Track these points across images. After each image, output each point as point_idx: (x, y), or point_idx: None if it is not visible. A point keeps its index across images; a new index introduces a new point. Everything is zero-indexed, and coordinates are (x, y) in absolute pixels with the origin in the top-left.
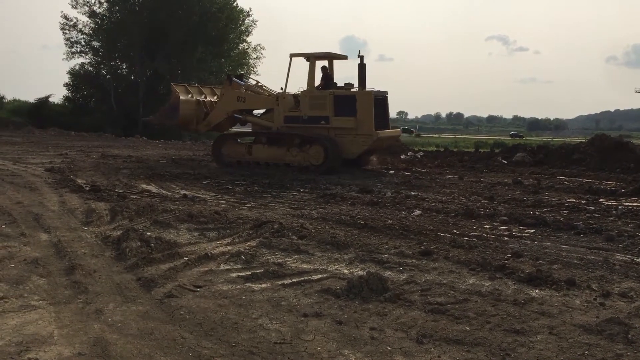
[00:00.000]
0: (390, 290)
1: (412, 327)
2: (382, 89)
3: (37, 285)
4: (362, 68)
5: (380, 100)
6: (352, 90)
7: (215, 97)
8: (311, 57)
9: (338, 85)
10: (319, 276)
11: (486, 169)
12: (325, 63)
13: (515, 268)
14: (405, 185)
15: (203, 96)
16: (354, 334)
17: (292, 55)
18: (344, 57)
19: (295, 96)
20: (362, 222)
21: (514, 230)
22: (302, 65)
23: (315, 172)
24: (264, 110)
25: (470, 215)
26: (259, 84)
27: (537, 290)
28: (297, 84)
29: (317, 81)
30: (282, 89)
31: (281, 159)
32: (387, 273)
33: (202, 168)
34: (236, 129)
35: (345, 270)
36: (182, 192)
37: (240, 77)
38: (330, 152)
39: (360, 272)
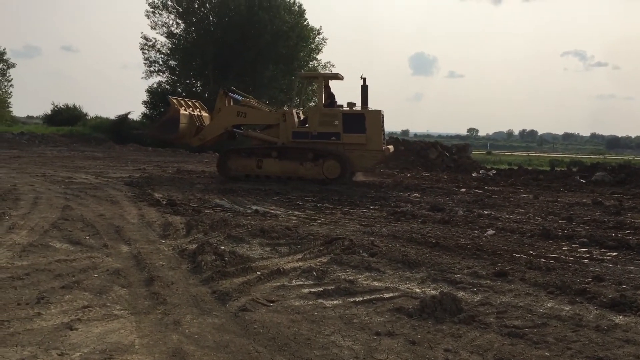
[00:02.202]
0: (465, 312)
1: (488, 350)
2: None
3: (119, 295)
4: (364, 89)
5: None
6: (360, 109)
7: (200, 112)
8: (320, 77)
9: (338, 103)
10: (391, 294)
11: (563, 188)
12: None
13: (596, 292)
14: (478, 203)
15: (196, 110)
16: (428, 355)
17: (301, 76)
18: (342, 78)
19: (299, 113)
20: (434, 241)
21: (594, 252)
22: None
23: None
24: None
25: (547, 236)
26: (251, 98)
27: (620, 317)
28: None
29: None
30: (288, 105)
31: (294, 172)
32: (461, 293)
33: (272, 184)
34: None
35: (417, 290)
36: (254, 207)
37: (233, 91)
38: (345, 166)
39: (433, 292)
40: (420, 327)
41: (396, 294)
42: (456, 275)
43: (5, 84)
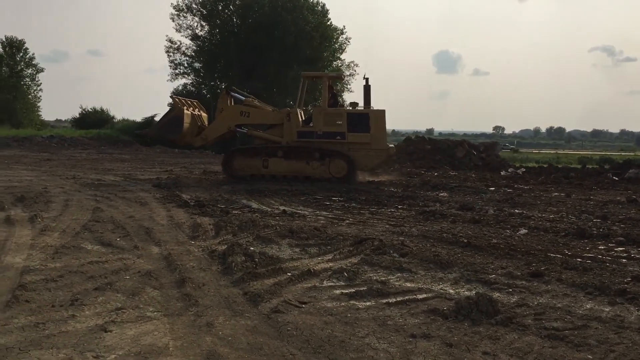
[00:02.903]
0: (502, 313)
1: (528, 353)
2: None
3: (151, 296)
4: (367, 89)
5: None
6: (364, 108)
7: (199, 111)
8: (325, 78)
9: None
10: (424, 295)
11: (595, 186)
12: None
13: (637, 293)
14: (508, 202)
15: (195, 110)
16: (466, 358)
17: (304, 76)
18: (344, 78)
19: (302, 112)
20: (465, 241)
21: (632, 251)
22: None
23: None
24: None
25: (582, 235)
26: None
27: None
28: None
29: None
30: (293, 105)
31: (300, 172)
32: (496, 294)
33: (299, 184)
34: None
35: (451, 290)
36: (282, 207)
37: (235, 90)
38: (352, 165)
39: (467, 293)
40: (456, 329)
41: (430, 295)
42: (490, 276)
43: (35, 88)
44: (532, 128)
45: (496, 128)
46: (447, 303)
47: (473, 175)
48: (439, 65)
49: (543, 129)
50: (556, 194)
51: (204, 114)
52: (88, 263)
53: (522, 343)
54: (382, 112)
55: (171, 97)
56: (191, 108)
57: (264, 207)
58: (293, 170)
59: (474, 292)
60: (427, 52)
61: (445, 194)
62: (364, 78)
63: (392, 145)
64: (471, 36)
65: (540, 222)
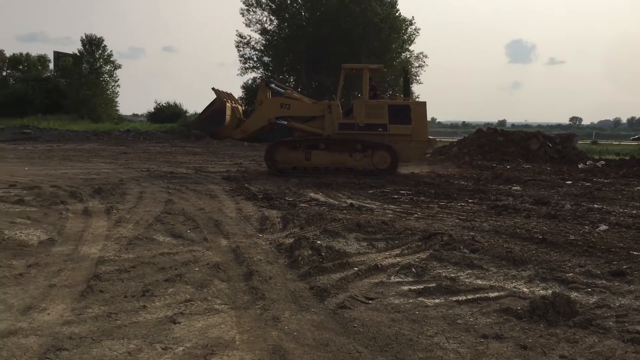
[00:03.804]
0: (580, 314)
1: (610, 358)
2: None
3: (219, 289)
4: (407, 81)
5: None
6: (404, 99)
7: (235, 104)
8: (365, 70)
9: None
10: (497, 294)
11: None
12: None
13: None
14: (586, 197)
15: (233, 102)
16: None
17: (344, 67)
18: (384, 70)
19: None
20: (540, 237)
21: None
22: None
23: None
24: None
25: None
26: (291, 90)
27: None
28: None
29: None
30: (333, 97)
31: (343, 164)
32: (574, 294)
33: (365, 177)
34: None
35: (525, 289)
36: (349, 201)
37: (273, 82)
38: (395, 157)
39: (542, 292)
40: (531, 330)
41: (502, 293)
42: (567, 274)
43: (113, 84)
44: (611, 119)
45: (573, 119)
46: (521, 302)
47: (548, 168)
48: (511, 54)
49: (624, 119)
50: (639, 188)
51: (239, 107)
52: (159, 254)
53: (603, 347)
54: (423, 104)
55: (213, 89)
56: (230, 101)
57: (331, 200)
58: (336, 162)
59: (550, 291)
60: (499, 41)
61: (519, 187)
62: (404, 69)
63: (433, 138)
64: (546, 24)
65: (622, 218)
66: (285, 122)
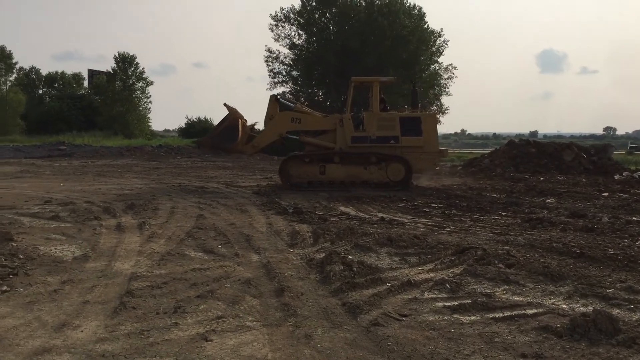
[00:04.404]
0: (623, 333)
1: None
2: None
3: (250, 305)
4: (414, 93)
5: None
6: (412, 111)
7: (242, 119)
8: (375, 82)
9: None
10: (535, 311)
11: None
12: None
13: None
14: (625, 209)
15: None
16: None
17: (354, 80)
18: (395, 82)
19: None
20: (578, 251)
21: None
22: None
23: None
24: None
25: None
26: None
27: None
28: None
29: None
30: (345, 110)
31: (358, 177)
32: (616, 311)
33: (397, 191)
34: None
35: (565, 306)
36: (380, 214)
37: (283, 97)
38: (409, 168)
39: (583, 309)
40: (572, 349)
41: (540, 310)
42: (608, 290)
43: (145, 100)
44: None
45: (607, 129)
46: (561, 320)
47: (583, 179)
48: (542, 64)
49: None
50: None
51: (246, 122)
52: (191, 270)
53: None
54: (433, 116)
55: (225, 105)
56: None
57: (361, 214)
58: (351, 176)
59: (591, 308)
60: (529, 51)
61: (553, 200)
62: (412, 82)
63: (445, 149)
64: (578, 33)
65: None
66: (297, 137)
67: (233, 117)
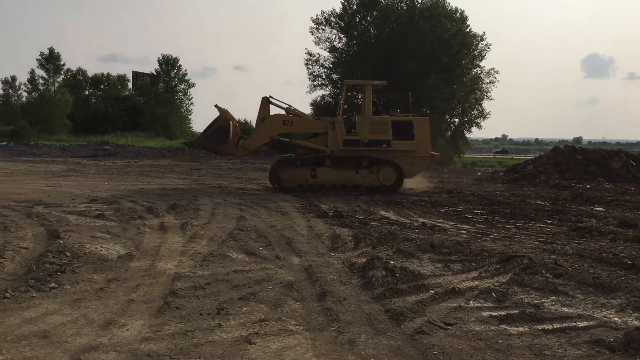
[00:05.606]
0: None
1: None
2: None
3: (292, 309)
4: (407, 97)
5: None
6: (405, 115)
7: (234, 121)
8: (367, 86)
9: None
10: (586, 323)
11: None
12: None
13: None
14: None
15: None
16: None
17: (346, 84)
18: (386, 85)
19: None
20: (629, 262)
21: None
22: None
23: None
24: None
25: None
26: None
27: None
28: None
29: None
30: (337, 114)
31: (350, 180)
32: None
33: (438, 195)
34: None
35: (617, 319)
36: (421, 220)
37: (272, 99)
38: (400, 172)
39: (637, 322)
40: None
41: (592, 322)
42: None
43: (187, 102)
44: None
45: None
46: (614, 333)
47: (632, 188)
48: (587, 69)
49: None
50: None
51: (237, 124)
52: (233, 271)
53: None
54: (425, 120)
55: (216, 106)
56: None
57: (402, 218)
58: (342, 179)
59: None
60: (574, 56)
61: (601, 208)
62: (406, 89)
63: (437, 153)
64: (624, 38)
65: None
66: (288, 140)
67: (224, 118)
